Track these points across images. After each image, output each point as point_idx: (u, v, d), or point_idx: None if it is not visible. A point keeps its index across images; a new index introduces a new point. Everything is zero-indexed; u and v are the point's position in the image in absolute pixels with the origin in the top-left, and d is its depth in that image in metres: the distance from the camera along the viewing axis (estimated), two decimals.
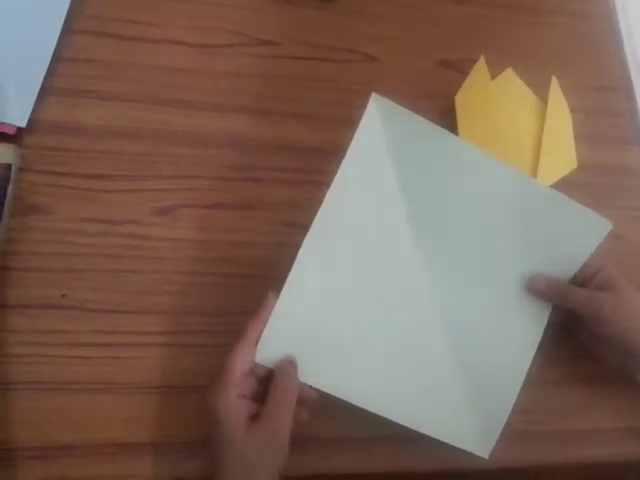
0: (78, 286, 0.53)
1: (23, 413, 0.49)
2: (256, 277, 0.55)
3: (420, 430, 0.50)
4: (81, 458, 0.49)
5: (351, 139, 0.50)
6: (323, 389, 0.48)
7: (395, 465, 0.53)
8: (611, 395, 0.58)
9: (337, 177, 0.50)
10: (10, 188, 0.53)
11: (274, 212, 0.59)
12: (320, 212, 0.50)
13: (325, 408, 0.48)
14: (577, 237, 0.54)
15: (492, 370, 0.52)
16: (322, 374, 0.49)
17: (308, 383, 0.48)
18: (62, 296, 0.52)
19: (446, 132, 0.53)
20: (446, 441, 0.50)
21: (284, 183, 0.60)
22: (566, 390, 0.57)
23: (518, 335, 0.53)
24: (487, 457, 0.51)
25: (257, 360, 0.47)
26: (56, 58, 0.59)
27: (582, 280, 0.54)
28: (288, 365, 0.48)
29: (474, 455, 0.51)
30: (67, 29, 0.60)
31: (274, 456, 0.45)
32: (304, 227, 0.57)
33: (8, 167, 0.53)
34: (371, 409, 0.49)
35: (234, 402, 0.45)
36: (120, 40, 0.62)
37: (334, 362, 0.50)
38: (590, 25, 0.73)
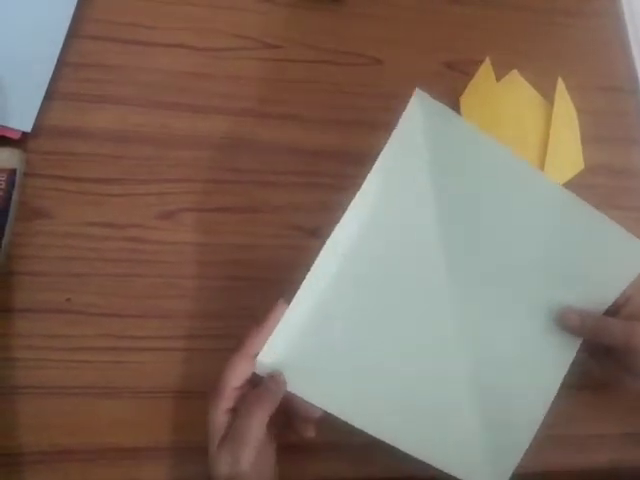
0: (82, 290, 0.53)
1: (26, 417, 0.49)
2: (260, 280, 0.55)
3: (428, 461, 0.47)
4: (84, 462, 0.49)
5: (389, 135, 0.48)
6: (326, 409, 0.46)
7: (395, 471, 0.52)
8: (613, 401, 0.57)
9: (371, 174, 0.47)
10: (15, 193, 0.53)
11: (278, 215, 0.58)
12: (347, 213, 0.47)
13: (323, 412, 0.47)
14: (616, 265, 0.49)
15: (511, 405, 0.49)
16: (325, 393, 0.46)
17: (310, 401, 0.45)
18: (66, 300, 0.52)
19: (487, 137, 0.50)
20: (455, 475, 0.47)
21: (288, 186, 0.60)
22: (569, 396, 0.56)
23: (542, 370, 0.49)
24: None
25: (257, 371, 0.46)
26: (61, 63, 0.59)
27: (612, 308, 0.50)
28: (269, 381, 0.45)
29: None
30: (72, 34, 0.60)
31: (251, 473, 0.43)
32: (308, 230, 0.57)
33: (13, 172, 0.53)
34: (376, 435, 0.46)
35: (220, 416, 0.44)
36: (125, 44, 0.61)
37: (339, 382, 0.47)
38: (596, 25, 0.73)
